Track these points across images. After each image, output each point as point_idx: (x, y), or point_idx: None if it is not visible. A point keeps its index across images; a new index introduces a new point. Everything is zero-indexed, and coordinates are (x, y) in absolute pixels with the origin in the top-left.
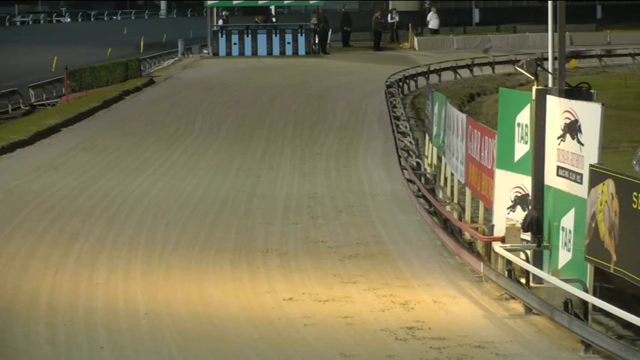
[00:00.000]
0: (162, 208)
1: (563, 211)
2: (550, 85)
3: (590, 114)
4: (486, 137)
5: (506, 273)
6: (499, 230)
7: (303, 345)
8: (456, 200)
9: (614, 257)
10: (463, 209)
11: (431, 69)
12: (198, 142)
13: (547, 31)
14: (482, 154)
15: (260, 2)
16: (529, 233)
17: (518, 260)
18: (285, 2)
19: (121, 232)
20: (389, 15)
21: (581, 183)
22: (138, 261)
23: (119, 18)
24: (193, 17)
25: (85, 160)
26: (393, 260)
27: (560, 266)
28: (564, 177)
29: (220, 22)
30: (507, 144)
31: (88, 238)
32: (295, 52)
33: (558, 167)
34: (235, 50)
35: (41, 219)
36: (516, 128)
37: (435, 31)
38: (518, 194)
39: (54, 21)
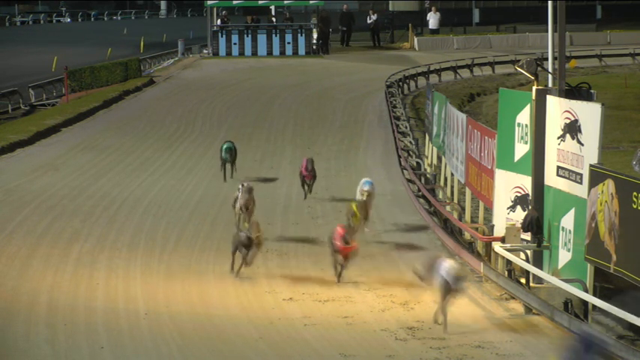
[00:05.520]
0: (162, 208)
1: (563, 211)
2: (550, 85)
3: (590, 114)
4: (486, 137)
5: (506, 273)
6: (499, 230)
7: (303, 345)
8: (456, 200)
9: (614, 257)
10: (463, 209)
11: (431, 69)
12: (198, 142)
13: (547, 31)
14: (482, 154)
15: (260, 2)
16: (529, 233)
17: (518, 260)
18: (285, 2)
19: (121, 232)
20: (367, 16)
21: (581, 183)
22: (138, 261)
23: (119, 18)
24: (193, 17)
25: (85, 160)
26: (393, 260)
27: (560, 266)
28: (564, 177)
29: (219, 21)
30: (507, 144)
31: (88, 238)
32: (295, 52)
33: (558, 167)
34: (235, 50)
35: (41, 219)
36: (516, 128)
37: (435, 31)
38: (518, 194)
39: (54, 21)
